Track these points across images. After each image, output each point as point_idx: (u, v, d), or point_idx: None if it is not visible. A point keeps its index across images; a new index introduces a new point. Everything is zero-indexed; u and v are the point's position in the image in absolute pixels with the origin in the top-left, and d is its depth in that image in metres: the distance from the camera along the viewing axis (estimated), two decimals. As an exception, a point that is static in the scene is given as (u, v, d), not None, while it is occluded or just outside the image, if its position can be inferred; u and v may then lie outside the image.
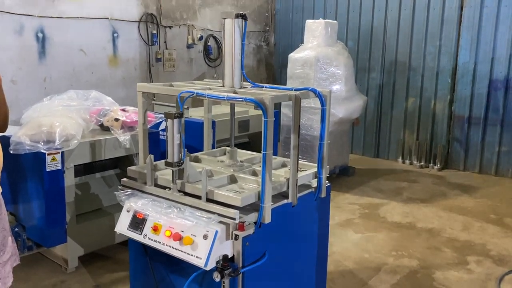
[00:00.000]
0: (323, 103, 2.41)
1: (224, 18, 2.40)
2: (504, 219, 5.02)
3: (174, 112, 2.19)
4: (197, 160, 2.79)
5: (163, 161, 2.39)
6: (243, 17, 2.39)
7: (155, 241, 2.24)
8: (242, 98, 2.11)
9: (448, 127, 7.03)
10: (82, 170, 3.73)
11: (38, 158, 3.28)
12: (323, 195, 2.60)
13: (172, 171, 2.28)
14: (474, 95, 6.74)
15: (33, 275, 3.61)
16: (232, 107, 2.66)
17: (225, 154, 2.89)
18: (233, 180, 2.44)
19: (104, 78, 5.96)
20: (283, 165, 2.74)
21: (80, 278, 3.54)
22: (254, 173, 2.55)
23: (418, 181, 6.44)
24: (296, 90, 2.38)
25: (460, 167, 6.99)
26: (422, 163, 7.17)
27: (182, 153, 2.27)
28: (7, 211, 2.64)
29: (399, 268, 3.88)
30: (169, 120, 2.19)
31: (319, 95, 2.40)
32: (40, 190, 3.39)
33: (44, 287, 3.45)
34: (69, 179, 3.48)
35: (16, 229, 3.64)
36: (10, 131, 3.26)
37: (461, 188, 6.10)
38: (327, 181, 2.61)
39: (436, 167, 7.02)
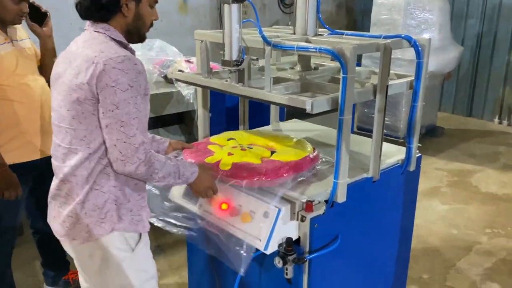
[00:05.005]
0: (419, 55, 1.92)
1: None
2: None
3: None
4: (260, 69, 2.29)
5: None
6: None
7: (211, 214, 1.95)
8: (316, 48, 1.68)
9: (561, 83, 6.02)
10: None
11: (98, 111, 3.11)
12: (412, 168, 2.14)
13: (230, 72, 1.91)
14: None
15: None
16: (305, 59, 2.22)
17: (293, 68, 2.35)
18: (304, 88, 2.01)
19: (173, 26, 5.68)
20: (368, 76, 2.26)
21: (142, 237, 3.42)
22: (334, 81, 2.10)
23: (519, 145, 5.64)
24: (385, 37, 1.90)
25: None
26: (524, 125, 6.29)
27: (242, 51, 1.88)
28: None
29: (495, 249, 3.35)
30: (226, 6, 1.79)
31: (414, 45, 1.90)
32: (101, 146, 3.24)
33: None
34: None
35: None
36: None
37: None
38: (417, 151, 2.15)
39: (541, 129, 6.12)
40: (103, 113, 1.53)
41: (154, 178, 1.62)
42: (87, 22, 1.67)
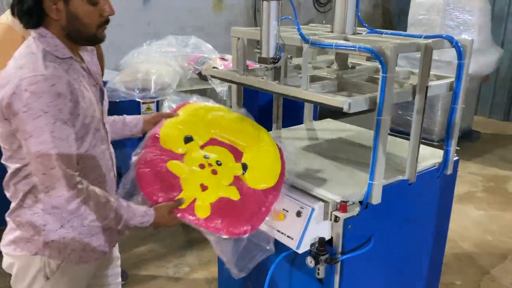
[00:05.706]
0: (461, 56, 1.87)
1: None
2: None
3: None
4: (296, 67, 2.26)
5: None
6: None
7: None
8: (355, 47, 1.66)
9: None
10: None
11: (133, 106, 3.16)
12: (449, 171, 2.09)
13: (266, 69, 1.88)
14: None
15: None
16: (342, 58, 2.20)
17: (329, 67, 2.32)
18: (341, 87, 1.97)
19: (207, 23, 5.74)
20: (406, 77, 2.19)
21: (173, 231, 3.47)
22: (372, 80, 2.06)
23: (559, 152, 5.43)
24: (426, 37, 1.86)
25: None
26: None
27: (279, 48, 1.85)
28: None
29: (532, 259, 3.25)
30: (264, 2, 1.75)
31: (456, 45, 1.86)
32: (135, 141, 3.30)
33: (136, 238, 3.43)
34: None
35: None
36: (108, 76, 3.17)
37: None
38: (455, 154, 2.10)
39: None
40: (20, 140, 1.37)
41: (87, 218, 1.43)
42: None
